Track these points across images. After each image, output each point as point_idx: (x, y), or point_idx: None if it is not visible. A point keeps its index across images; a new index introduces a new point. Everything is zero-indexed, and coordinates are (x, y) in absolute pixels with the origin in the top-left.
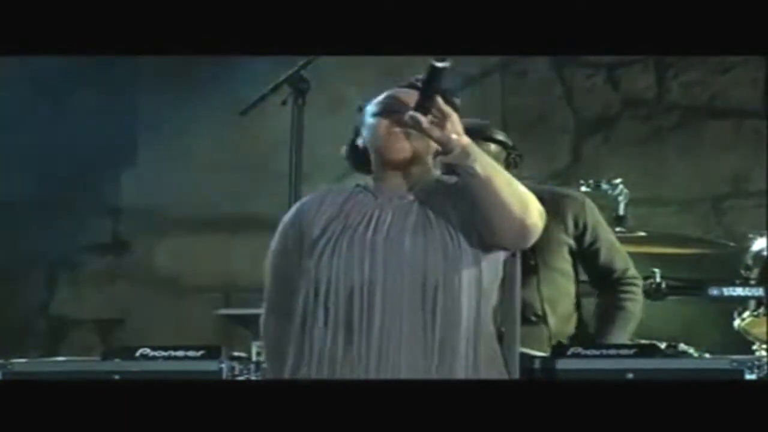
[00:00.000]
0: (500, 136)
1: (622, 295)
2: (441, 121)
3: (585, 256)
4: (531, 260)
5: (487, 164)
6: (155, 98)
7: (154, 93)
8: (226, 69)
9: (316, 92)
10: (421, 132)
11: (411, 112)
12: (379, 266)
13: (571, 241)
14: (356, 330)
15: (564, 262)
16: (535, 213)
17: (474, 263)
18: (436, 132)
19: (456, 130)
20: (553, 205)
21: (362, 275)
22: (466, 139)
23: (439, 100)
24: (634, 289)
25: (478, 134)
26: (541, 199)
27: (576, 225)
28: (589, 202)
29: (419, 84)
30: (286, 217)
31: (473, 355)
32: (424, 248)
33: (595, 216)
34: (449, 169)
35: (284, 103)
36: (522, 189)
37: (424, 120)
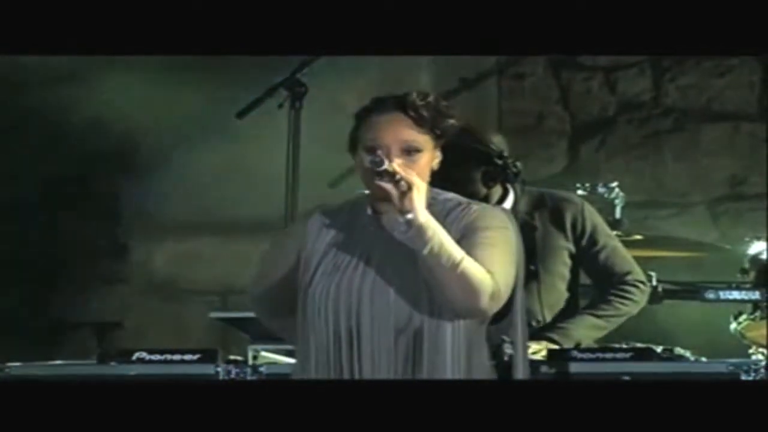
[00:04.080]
0: (495, 157)
1: (614, 291)
2: (401, 192)
3: (584, 259)
4: (531, 265)
5: (437, 249)
6: (153, 99)
7: (151, 94)
8: (224, 70)
9: (313, 96)
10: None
11: (378, 181)
12: (366, 311)
13: (571, 245)
14: (346, 365)
15: (563, 266)
16: (484, 298)
17: None
18: (397, 202)
19: (414, 206)
20: (552, 210)
21: (349, 321)
22: (422, 218)
23: (404, 170)
24: (631, 290)
25: (478, 165)
26: (541, 203)
27: (574, 229)
28: (587, 206)
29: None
30: (289, 231)
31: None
32: (412, 289)
33: (594, 219)
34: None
35: (281, 106)
36: (472, 273)
37: (389, 187)
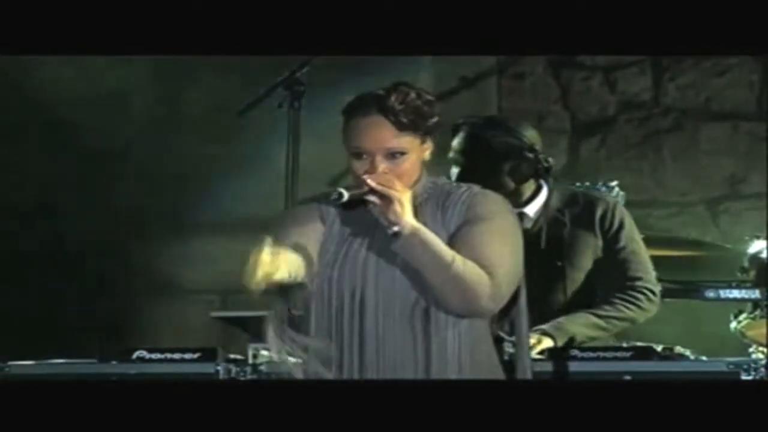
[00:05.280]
0: (526, 150)
1: (620, 295)
2: (385, 205)
3: (603, 256)
4: (558, 261)
5: (427, 257)
6: (153, 99)
7: (151, 93)
8: (224, 70)
9: (312, 95)
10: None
11: (366, 196)
12: (371, 285)
13: (599, 242)
14: (347, 349)
15: (591, 263)
16: (481, 301)
17: None
18: (382, 216)
19: (398, 219)
20: (584, 207)
21: (353, 289)
22: (408, 228)
23: (384, 183)
24: (638, 296)
25: (507, 157)
26: (574, 200)
27: (602, 224)
28: (620, 206)
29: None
30: (306, 208)
31: (469, 372)
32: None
33: (623, 219)
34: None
35: (281, 105)
36: (466, 277)
37: (373, 200)
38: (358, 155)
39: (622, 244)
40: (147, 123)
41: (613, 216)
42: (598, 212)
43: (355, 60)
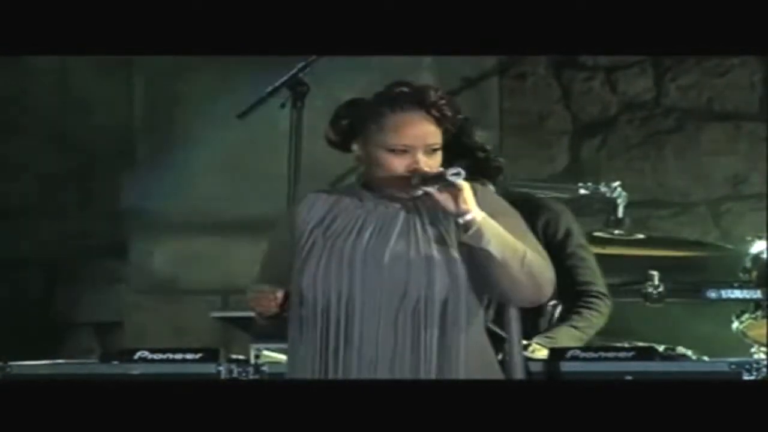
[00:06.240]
0: (478, 150)
1: (582, 303)
2: (453, 194)
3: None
4: None
5: (502, 244)
6: (153, 99)
7: (152, 93)
8: (226, 69)
9: (315, 95)
10: (434, 205)
11: (423, 188)
12: (357, 279)
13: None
14: (332, 345)
15: None
16: (548, 287)
17: (459, 273)
18: (449, 206)
19: (470, 207)
20: (529, 213)
21: (340, 288)
22: (479, 216)
23: (448, 175)
24: (596, 302)
25: (460, 156)
26: (516, 204)
27: (546, 234)
28: (567, 213)
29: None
30: (281, 219)
31: (464, 368)
32: (406, 260)
33: (569, 226)
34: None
35: (283, 106)
36: (537, 264)
37: (438, 194)
38: (396, 151)
39: (570, 251)
40: (147, 123)
41: (557, 224)
42: (542, 220)
43: (357, 59)
